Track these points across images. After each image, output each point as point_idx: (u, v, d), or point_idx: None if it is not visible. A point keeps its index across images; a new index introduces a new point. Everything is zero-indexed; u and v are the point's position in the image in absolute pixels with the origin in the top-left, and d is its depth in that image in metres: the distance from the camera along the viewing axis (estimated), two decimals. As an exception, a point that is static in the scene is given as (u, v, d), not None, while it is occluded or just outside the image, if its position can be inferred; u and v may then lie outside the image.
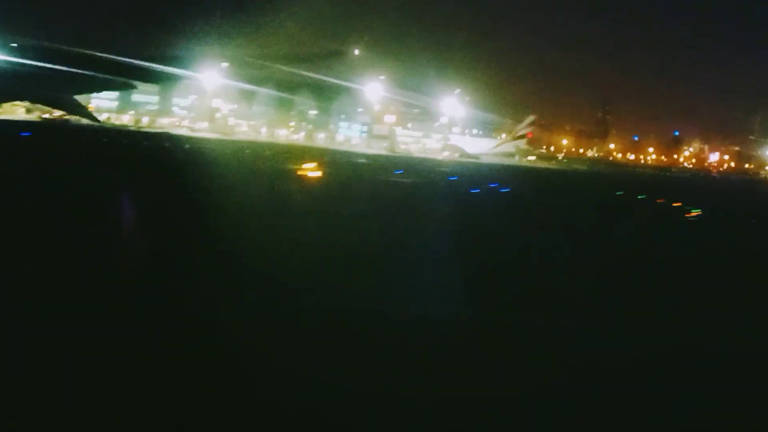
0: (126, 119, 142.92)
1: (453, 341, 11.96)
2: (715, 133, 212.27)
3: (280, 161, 62.68)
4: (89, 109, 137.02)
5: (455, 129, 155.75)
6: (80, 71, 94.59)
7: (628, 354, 11.96)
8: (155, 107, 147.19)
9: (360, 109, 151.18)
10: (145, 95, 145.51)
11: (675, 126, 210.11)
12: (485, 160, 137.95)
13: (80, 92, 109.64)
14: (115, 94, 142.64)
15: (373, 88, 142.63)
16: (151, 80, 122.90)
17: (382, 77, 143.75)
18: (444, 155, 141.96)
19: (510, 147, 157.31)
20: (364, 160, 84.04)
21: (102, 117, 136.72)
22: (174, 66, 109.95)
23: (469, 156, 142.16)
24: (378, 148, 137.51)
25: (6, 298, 12.09)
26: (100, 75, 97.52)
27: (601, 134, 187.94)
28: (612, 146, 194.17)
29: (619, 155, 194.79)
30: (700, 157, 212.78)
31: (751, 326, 14.56)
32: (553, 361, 11.20)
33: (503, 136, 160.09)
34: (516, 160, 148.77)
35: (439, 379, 10.10)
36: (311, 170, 50.27)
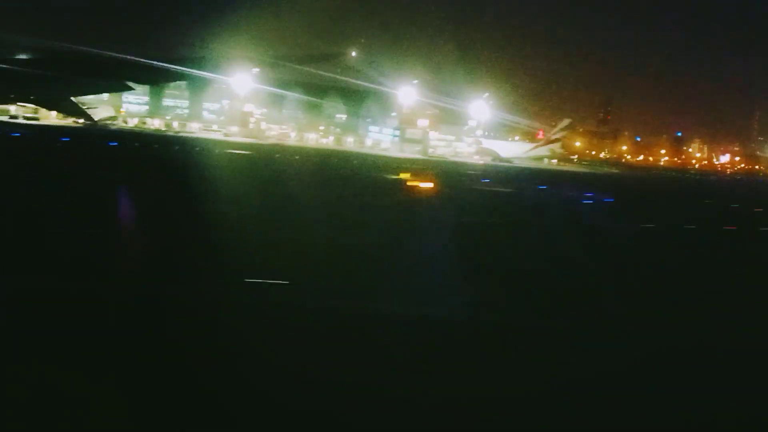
0: (157, 123, 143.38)
1: (453, 341, 11.99)
2: (717, 134, 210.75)
3: (382, 172, 61.90)
4: (120, 113, 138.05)
5: (478, 132, 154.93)
6: (79, 73, 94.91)
7: (628, 354, 11.94)
8: (185, 111, 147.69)
9: (393, 113, 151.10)
10: (175, 99, 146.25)
11: (675, 126, 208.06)
12: (517, 163, 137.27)
13: (79, 94, 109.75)
14: (145, 98, 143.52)
15: (405, 92, 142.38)
16: (168, 81, 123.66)
17: (414, 81, 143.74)
18: (475, 159, 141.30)
19: (545, 150, 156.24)
20: (439, 168, 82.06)
21: (133, 121, 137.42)
22: (202, 69, 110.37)
23: (501, 159, 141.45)
24: (411, 152, 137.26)
25: (7, 299, 12.27)
26: (100, 77, 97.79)
27: (611, 136, 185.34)
28: (624, 148, 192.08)
29: (628, 156, 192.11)
30: (709, 158, 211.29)
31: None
32: (553, 361, 11.18)
33: (516, 138, 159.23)
34: (545, 164, 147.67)
35: (439, 379, 10.11)
36: (423, 181, 48.54)
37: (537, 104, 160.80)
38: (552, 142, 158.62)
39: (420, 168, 69.95)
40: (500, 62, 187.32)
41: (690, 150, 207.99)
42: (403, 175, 55.47)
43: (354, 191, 39.81)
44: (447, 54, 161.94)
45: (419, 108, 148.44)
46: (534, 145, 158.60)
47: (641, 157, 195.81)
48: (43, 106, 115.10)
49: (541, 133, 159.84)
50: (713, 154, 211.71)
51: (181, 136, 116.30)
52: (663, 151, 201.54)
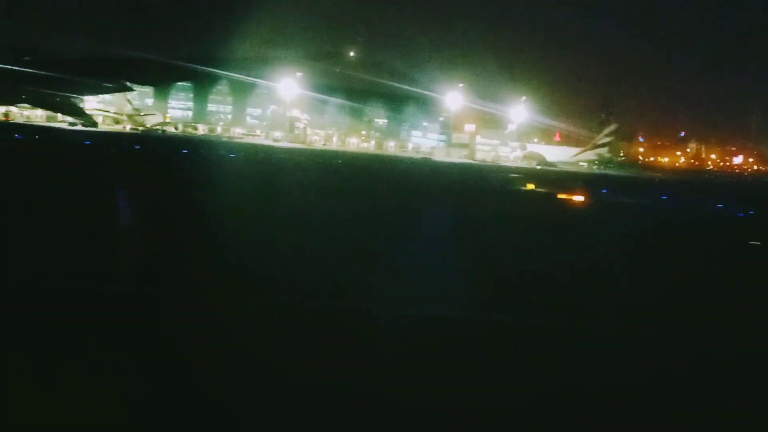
0: (203, 129, 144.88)
1: (453, 341, 11.99)
2: (722, 135, 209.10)
3: (504, 183, 61.48)
4: (166, 118, 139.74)
5: (513, 136, 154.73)
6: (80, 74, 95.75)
7: (629, 355, 11.87)
8: (228, 116, 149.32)
9: (436, 118, 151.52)
10: (217, 105, 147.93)
11: (677, 127, 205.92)
12: (560, 167, 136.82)
13: (79, 94, 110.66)
14: (189, 104, 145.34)
15: (451, 97, 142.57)
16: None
17: (461, 85, 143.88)
18: (524, 163, 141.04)
19: (591, 155, 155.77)
20: (558, 177, 79.36)
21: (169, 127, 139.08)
22: (245, 72, 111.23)
23: (547, 164, 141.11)
24: (457, 157, 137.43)
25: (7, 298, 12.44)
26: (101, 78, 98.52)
27: (627, 137, 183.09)
28: (642, 150, 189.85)
29: (638, 158, 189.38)
30: (724, 160, 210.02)
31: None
32: (554, 361, 11.15)
33: (535, 140, 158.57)
34: (585, 167, 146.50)
35: (439, 379, 10.10)
36: (575, 195, 46.25)
37: (543, 106, 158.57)
38: (599, 146, 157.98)
39: (540, 178, 68.39)
40: (530, 66, 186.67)
41: (688, 150, 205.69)
42: (529, 186, 54.31)
43: (523, 208, 38.62)
44: (481, 58, 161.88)
45: (464, 112, 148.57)
46: (580, 149, 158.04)
47: (651, 159, 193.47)
48: (44, 108, 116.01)
49: (557, 135, 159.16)
50: (734, 157, 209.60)
51: (241, 143, 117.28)
52: (678, 153, 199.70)
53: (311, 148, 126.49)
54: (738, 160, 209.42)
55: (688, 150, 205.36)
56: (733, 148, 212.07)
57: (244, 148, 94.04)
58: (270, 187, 40.35)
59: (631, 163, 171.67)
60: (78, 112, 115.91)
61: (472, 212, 34.49)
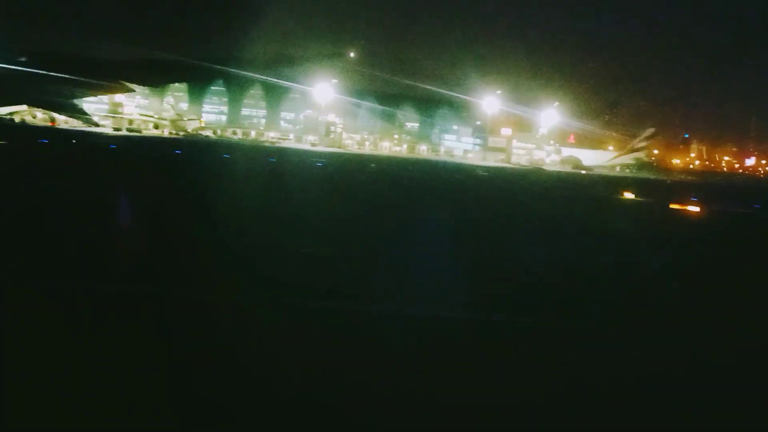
0: (240, 134, 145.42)
1: (453, 341, 11.96)
2: (726, 135, 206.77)
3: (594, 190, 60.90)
4: (201, 123, 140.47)
5: (546, 139, 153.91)
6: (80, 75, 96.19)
7: (629, 354, 11.78)
8: (263, 121, 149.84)
9: (471, 122, 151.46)
10: (251, 109, 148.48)
11: (680, 128, 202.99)
12: (597, 171, 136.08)
13: (82, 95, 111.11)
14: (222, 107, 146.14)
15: (488, 101, 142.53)
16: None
17: (498, 92, 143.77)
18: (559, 167, 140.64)
19: (628, 159, 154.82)
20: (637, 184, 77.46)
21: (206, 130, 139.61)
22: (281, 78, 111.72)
23: (583, 167, 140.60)
24: (493, 161, 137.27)
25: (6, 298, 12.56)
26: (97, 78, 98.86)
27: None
28: (656, 152, 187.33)
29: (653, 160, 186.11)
30: (740, 161, 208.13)
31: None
32: (554, 361, 11.10)
33: (551, 142, 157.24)
34: (617, 171, 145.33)
35: (439, 379, 10.09)
36: (690, 205, 44.41)
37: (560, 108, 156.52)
38: (635, 151, 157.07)
39: (625, 185, 67.14)
40: (539, 67, 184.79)
41: (692, 154, 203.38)
42: (627, 194, 53.46)
43: (660, 224, 36.80)
44: (512, 61, 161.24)
45: (500, 116, 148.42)
46: (615, 154, 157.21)
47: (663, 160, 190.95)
48: (47, 109, 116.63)
49: (572, 137, 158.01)
50: (746, 159, 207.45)
51: (280, 147, 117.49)
52: (693, 155, 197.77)
53: (354, 152, 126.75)
54: (751, 161, 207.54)
55: (691, 153, 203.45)
56: (734, 149, 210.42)
57: (289, 153, 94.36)
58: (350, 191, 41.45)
59: (647, 165, 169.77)
60: (80, 113, 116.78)
61: (606, 227, 33.10)
